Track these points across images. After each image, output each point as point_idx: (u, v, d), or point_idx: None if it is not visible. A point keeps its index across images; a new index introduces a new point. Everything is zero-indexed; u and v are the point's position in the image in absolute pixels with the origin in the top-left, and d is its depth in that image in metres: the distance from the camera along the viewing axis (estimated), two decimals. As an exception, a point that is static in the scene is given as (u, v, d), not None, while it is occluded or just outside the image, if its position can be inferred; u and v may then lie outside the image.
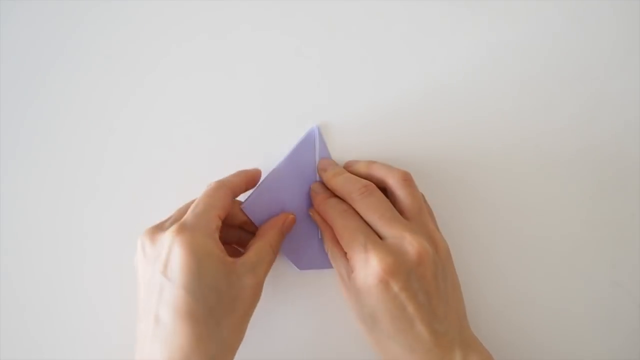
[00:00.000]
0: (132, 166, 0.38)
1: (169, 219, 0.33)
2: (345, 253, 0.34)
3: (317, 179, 0.38)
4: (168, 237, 0.30)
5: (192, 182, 0.36)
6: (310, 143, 0.38)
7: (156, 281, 0.30)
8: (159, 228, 0.32)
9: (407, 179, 0.35)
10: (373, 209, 0.33)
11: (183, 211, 0.34)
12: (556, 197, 0.39)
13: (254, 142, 0.39)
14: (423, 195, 0.37)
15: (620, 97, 0.40)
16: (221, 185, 0.34)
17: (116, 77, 0.39)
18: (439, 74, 0.39)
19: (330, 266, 0.37)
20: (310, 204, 0.37)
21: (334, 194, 0.36)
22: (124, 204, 0.38)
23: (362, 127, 0.39)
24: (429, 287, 0.31)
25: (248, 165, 0.37)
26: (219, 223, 0.32)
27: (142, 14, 0.39)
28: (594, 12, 0.40)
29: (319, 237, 0.37)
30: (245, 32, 0.39)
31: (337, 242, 0.35)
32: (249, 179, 0.36)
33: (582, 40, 0.40)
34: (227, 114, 0.39)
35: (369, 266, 0.31)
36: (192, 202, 0.33)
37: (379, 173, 0.36)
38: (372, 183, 0.35)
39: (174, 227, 0.30)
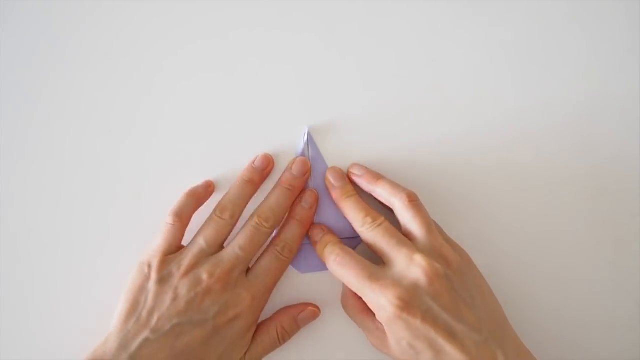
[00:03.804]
0: (131, 166, 0.38)
1: (239, 259, 0.34)
2: (358, 305, 0.35)
3: (312, 182, 0.38)
4: (240, 304, 0.33)
5: (189, 181, 0.37)
6: (301, 147, 0.38)
7: (207, 325, 0.32)
8: (230, 270, 0.33)
9: (412, 200, 0.35)
10: (379, 240, 0.34)
11: (246, 256, 0.34)
12: (556, 197, 0.39)
13: (252, 142, 0.39)
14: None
15: (620, 97, 0.40)
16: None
17: (116, 79, 0.39)
18: (438, 74, 0.39)
19: None
20: None
21: (329, 233, 0.37)
22: (123, 203, 0.38)
23: (360, 129, 0.39)
24: (449, 303, 0.31)
25: (245, 165, 0.38)
26: None
27: (142, 15, 0.39)
28: (594, 12, 0.40)
29: None
30: (244, 33, 0.39)
31: (351, 295, 0.36)
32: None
33: (582, 40, 0.40)
34: (226, 114, 0.39)
35: (383, 306, 0.31)
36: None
37: (384, 194, 0.36)
38: (379, 215, 0.35)
39: (247, 302, 0.33)
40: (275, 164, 0.38)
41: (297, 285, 0.38)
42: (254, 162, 0.37)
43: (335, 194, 0.37)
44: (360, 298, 0.34)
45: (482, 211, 0.39)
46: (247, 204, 0.36)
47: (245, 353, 0.34)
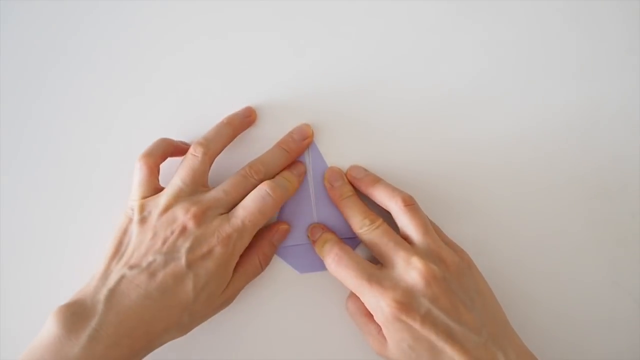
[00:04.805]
0: (130, 165, 0.39)
1: (219, 201, 0.34)
2: (361, 308, 0.35)
3: (312, 181, 0.38)
4: (213, 239, 0.32)
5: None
6: None
7: (179, 261, 0.32)
8: (207, 208, 0.33)
9: (408, 204, 0.35)
10: (377, 242, 0.34)
11: (227, 199, 0.34)
12: (556, 198, 0.39)
13: (251, 141, 0.39)
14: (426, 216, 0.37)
15: (620, 97, 0.40)
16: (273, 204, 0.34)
17: (115, 79, 0.39)
18: (438, 75, 0.39)
19: None
20: (308, 207, 0.38)
21: (328, 231, 0.37)
22: (121, 203, 0.38)
23: (360, 129, 0.39)
24: (447, 305, 0.31)
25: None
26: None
27: (142, 16, 0.39)
28: (594, 12, 0.40)
29: None
30: (244, 33, 0.39)
31: (355, 297, 0.35)
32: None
33: (582, 41, 0.40)
34: (225, 113, 0.39)
35: (382, 308, 0.31)
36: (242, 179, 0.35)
37: (381, 198, 0.36)
38: (377, 217, 0.35)
39: (221, 236, 0.32)
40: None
41: (295, 285, 0.38)
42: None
43: (333, 194, 0.37)
44: None
45: (482, 211, 0.39)
46: (224, 145, 0.36)
47: (227, 287, 0.34)
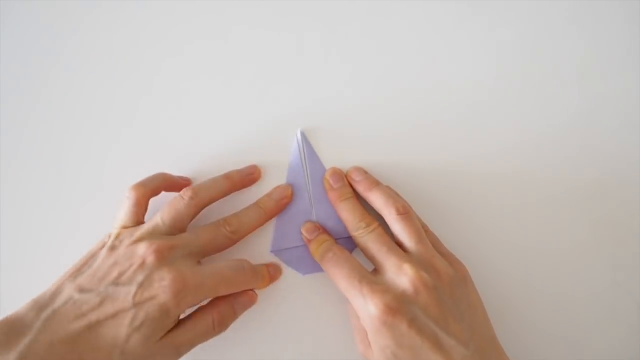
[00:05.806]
0: (125, 164, 0.39)
1: (186, 242, 0.33)
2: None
3: (309, 182, 0.38)
4: (165, 282, 0.31)
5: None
6: (296, 149, 0.38)
7: (127, 297, 0.31)
8: (172, 247, 0.32)
9: (402, 213, 0.35)
10: (371, 246, 0.34)
11: (196, 242, 0.34)
12: (556, 197, 0.39)
13: (247, 144, 0.39)
14: (424, 224, 0.37)
15: (620, 97, 0.40)
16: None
17: (114, 80, 0.39)
18: (437, 77, 0.39)
19: None
20: (306, 209, 0.38)
21: (324, 232, 0.37)
22: (115, 204, 0.38)
23: (357, 131, 0.39)
24: (436, 314, 0.31)
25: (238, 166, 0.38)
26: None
27: (142, 16, 0.39)
28: (594, 13, 0.40)
29: None
30: (242, 33, 0.39)
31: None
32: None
33: (582, 40, 0.40)
34: (223, 115, 0.39)
35: (369, 311, 0.31)
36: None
37: (376, 204, 0.36)
38: (373, 220, 0.35)
39: (175, 283, 0.31)
40: (268, 167, 0.38)
41: (298, 287, 0.38)
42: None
43: (332, 195, 0.37)
44: None
45: (481, 212, 0.39)
46: (218, 196, 0.36)
47: (167, 337, 0.32)
